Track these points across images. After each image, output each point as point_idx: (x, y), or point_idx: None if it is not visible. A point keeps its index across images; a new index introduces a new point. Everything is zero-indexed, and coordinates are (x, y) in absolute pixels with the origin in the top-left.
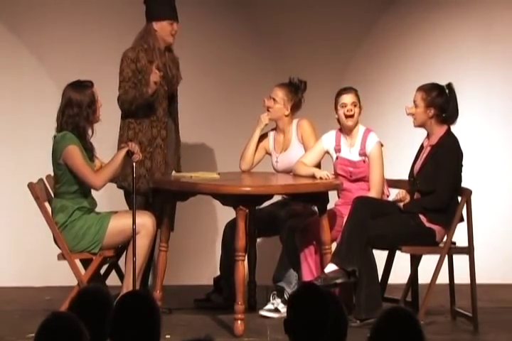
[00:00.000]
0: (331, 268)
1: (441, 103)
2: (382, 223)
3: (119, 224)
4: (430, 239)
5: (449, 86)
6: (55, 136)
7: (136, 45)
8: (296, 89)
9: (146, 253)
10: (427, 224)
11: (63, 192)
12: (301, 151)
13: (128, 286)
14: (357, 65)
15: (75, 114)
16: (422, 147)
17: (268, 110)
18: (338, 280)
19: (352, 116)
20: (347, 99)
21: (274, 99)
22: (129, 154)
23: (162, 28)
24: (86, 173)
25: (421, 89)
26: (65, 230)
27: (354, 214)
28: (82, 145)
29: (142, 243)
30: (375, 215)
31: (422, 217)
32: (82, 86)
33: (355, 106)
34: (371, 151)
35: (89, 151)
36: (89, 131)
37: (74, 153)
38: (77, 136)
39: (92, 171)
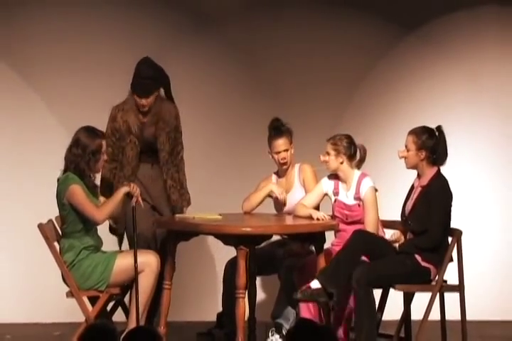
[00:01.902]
0: (315, 284)
1: (432, 145)
2: (380, 264)
3: (124, 263)
4: (426, 277)
5: (439, 128)
6: (58, 179)
7: (120, 104)
8: (285, 127)
9: (151, 290)
10: (423, 264)
11: (70, 231)
12: (303, 194)
13: (133, 322)
14: (352, 111)
15: (78, 154)
16: (412, 187)
17: (284, 163)
18: (321, 299)
19: (324, 162)
20: (326, 146)
21: (285, 150)
22: (129, 196)
23: (134, 97)
24: (88, 208)
25: (412, 132)
26: (73, 269)
27: (350, 244)
28: (84, 184)
29: (146, 281)
30: (371, 254)
31: (417, 256)
32: (93, 133)
33: (328, 154)
34: (365, 196)
35: (91, 189)
36: (89, 174)
37: (76, 190)
38: (78, 175)
39: (94, 206)
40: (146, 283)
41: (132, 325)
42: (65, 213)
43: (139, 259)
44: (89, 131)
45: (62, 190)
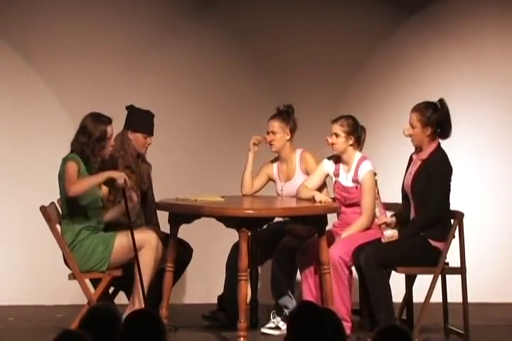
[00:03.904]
0: None
1: (437, 119)
2: (390, 245)
3: (124, 242)
4: (436, 257)
5: (441, 101)
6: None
7: (114, 152)
8: (287, 114)
9: (153, 266)
10: (433, 243)
11: (69, 212)
12: None
13: (134, 303)
14: (354, 96)
15: (84, 142)
16: (410, 160)
17: (271, 144)
18: None
19: (331, 144)
20: (332, 128)
21: (272, 132)
22: (113, 182)
23: (136, 138)
24: (69, 178)
25: (415, 110)
26: (74, 250)
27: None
28: (87, 170)
29: (147, 257)
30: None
31: (425, 236)
32: (99, 120)
33: (336, 136)
34: (363, 179)
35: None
36: (94, 160)
37: (69, 165)
38: (83, 161)
39: (75, 179)
40: (147, 260)
41: (133, 305)
42: (65, 193)
43: (137, 237)
44: (95, 117)
45: (62, 169)
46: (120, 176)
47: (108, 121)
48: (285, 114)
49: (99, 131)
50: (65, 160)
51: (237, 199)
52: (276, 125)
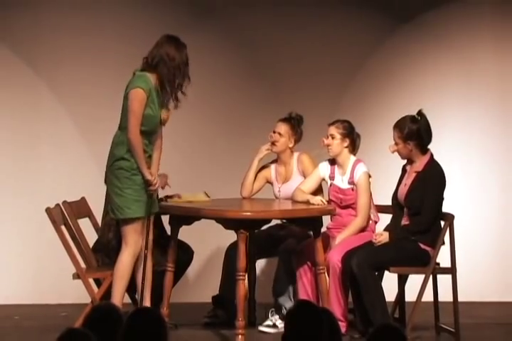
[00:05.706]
0: None
1: (416, 132)
2: (380, 249)
3: (138, 227)
4: (426, 259)
5: (420, 112)
6: (134, 73)
7: None
8: (297, 123)
9: (129, 269)
10: (422, 246)
11: (125, 126)
12: None
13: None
14: (347, 104)
15: (175, 68)
16: (404, 171)
17: (274, 144)
18: None
19: (327, 146)
20: (329, 130)
21: (279, 134)
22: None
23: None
24: (133, 120)
25: (395, 127)
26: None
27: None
28: (159, 94)
29: (126, 259)
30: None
31: (415, 239)
32: (179, 44)
33: (332, 138)
34: (358, 180)
35: (162, 102)
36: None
37: (137, 96)
38: (173, 91)
39: (137, 124)
40: (126, 262)
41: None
42: (124, 106)
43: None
44: (174, 41)
45: (130, 85)
46: (155, 186)
47: (184, 44)
48: (295, 122)
49: (184, 54)
50: (135, 80)
51: (236, 201)
52: (284, 128)
